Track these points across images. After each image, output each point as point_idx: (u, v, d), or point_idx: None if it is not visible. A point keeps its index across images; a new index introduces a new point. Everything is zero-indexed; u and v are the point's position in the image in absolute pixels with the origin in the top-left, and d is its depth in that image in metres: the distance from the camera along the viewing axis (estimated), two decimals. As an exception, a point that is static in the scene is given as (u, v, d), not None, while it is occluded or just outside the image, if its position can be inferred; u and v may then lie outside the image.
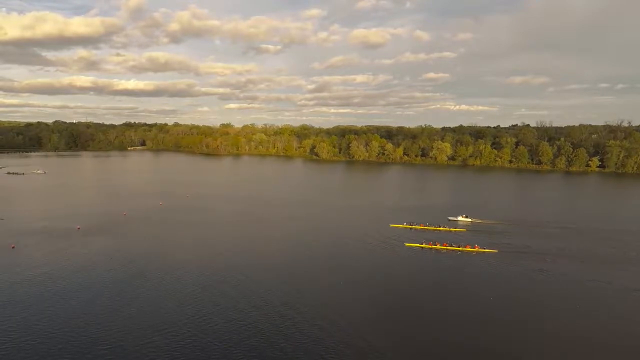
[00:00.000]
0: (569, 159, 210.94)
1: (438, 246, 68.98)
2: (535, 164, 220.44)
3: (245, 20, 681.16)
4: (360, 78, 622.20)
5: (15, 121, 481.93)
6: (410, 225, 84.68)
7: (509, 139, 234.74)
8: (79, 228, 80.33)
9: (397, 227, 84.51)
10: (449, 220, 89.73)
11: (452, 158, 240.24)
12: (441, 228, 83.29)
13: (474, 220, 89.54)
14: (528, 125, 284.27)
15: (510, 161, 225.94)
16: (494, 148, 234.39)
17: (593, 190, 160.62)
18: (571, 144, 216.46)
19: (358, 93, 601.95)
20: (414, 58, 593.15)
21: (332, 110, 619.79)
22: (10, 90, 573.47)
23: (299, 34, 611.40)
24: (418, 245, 70.43)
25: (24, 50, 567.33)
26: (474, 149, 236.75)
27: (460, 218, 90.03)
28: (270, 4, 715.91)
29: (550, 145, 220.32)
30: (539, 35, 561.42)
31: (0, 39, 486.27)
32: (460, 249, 68.07)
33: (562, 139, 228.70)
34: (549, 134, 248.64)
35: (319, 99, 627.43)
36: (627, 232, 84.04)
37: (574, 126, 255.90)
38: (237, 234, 79.56)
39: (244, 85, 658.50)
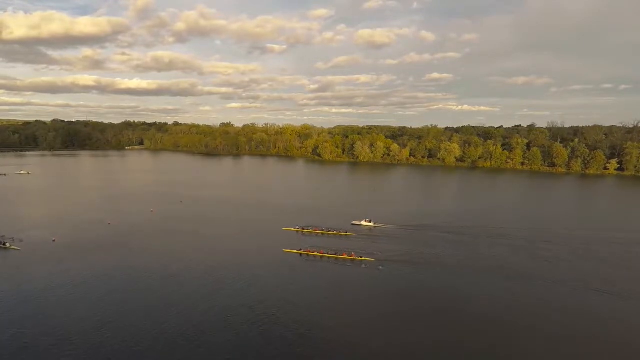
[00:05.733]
0: (586, 161, 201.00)
1: (315, 253, 65.84)
2: (549, 166, 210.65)
3: (252, 20, 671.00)
4: (363, 78, 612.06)
5: (15, 120, 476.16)
6: (302, 229, 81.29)
7: (519, 140, 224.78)
8: (54, 240, 71.37)
9: (289, 230, 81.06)
10: (353, 224, 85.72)
11: (461, 160, 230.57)
12: (332, 232, 79.44)
13: (376, 224, 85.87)
14: (532, 125, 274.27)
15: (523, 163, 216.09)
16: (504, 149, 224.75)
17: (589, 193, 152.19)
18: (586, 146, 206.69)
19: (361, 93, 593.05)
20: (418, 58, 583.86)
21: (334, 110, 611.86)
22: (13, 88, 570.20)
23: (304, 34, 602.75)
24: (295, 251, 67.08)
25: (29, 49, 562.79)
26: (484, 150, 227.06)
27: (363, 222, 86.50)
28: (278, 3, 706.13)
29: (564, 147, 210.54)
30: (542, 36, 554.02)
31: (6, 38, 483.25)
32: (335, 256, 64.96)
33: (577, 140, 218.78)
34: (562, 134, 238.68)
35: (320, 98, 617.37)
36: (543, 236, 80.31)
37: (588, 127, 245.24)
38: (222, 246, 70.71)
39: (247, 85, 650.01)
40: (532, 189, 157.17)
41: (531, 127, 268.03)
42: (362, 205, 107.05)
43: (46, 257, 63.28)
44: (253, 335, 40.75)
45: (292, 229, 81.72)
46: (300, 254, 66.28)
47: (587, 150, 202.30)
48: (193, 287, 52.65)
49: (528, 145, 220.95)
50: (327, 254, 65.48)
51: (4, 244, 67.53)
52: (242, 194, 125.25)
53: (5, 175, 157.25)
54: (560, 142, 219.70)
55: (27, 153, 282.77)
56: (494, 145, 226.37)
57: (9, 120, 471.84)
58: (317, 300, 49.74)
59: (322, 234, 79.20)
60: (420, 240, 76.12)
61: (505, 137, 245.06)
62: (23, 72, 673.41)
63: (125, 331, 40.82)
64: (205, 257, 64.21)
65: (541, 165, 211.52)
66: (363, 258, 64.04)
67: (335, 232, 79.34)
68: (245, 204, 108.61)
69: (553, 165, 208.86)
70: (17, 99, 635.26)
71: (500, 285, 55.54)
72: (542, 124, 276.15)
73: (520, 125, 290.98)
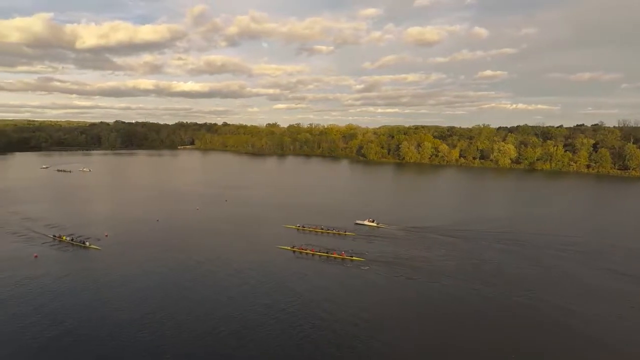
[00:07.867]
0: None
1: (308, 251, 67.38)
2: (619, 169, 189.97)
3: (301, 22, 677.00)
4: (411, 77, 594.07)
5: (84, 121, 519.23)
6: (302, 227, 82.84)
7: (585, 140, 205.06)
8: (106, 235, 74.62)
9: (289, 227, 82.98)
10: (356, 223, 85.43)
11: (517, 161, 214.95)
12: (331, 232, 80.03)
13: (379, 225, 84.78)
14: (598, 124, 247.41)
15: (588, 165, 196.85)
16: (566, 150, 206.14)
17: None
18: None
19: (407, 92, 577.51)
20: (470, 55, 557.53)
21: (379, 110, 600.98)
22: (83, 93, 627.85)
23: (352, 34, 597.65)
24: (289, 248, 68.61)
25: (97, 56, 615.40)
26: (543, 151, 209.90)
27: (366, 222, 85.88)
28: (326, 3, 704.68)
29: (638, 148, 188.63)
30: (606, 29, 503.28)
31: (79, 47, 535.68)
32: (325, 255, 65.81)
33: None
34: (635, 134, 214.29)
35: (366, 98, 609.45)
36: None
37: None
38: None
39: (293, 86, 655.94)
40: (599, 193, 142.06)
41: (597, 127, 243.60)
42: (387, 206, 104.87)
43: (125, 256, 64.23)
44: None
45: (293, 226, 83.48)
46: (293, 251, 67.68)
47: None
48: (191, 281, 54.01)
49: (594, 146, 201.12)
50: (318, 252, 66.59)
51: (84, 243, 68.54)
52: (275, 194, 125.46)
53: (70, 172, 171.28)
54: (634, 143, 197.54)
55: (92, 152, 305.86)
56: (554, 145, 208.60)
57: (78, 122, 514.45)
58: (290, 296, 49.98)
59: (322, 232, 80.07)
60: (419, 242, 73.19)
61: (567, 137, 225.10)
62: (92, 78, 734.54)
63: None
64: (209, 254, 65.49)
65: (611, 168, 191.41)
66: (353, 258, 63.95)
67: (334, 232, 79.79)
68: (272, 204, 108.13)
69: (625, 168, 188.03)
70: (86, 103, 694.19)
71: (490, 294, 51.29)
72: (609, 123, 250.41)
73: (583, 124, 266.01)
